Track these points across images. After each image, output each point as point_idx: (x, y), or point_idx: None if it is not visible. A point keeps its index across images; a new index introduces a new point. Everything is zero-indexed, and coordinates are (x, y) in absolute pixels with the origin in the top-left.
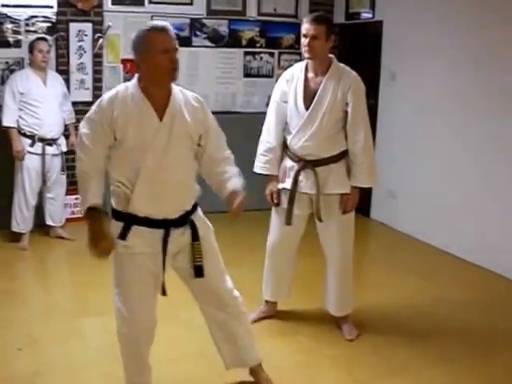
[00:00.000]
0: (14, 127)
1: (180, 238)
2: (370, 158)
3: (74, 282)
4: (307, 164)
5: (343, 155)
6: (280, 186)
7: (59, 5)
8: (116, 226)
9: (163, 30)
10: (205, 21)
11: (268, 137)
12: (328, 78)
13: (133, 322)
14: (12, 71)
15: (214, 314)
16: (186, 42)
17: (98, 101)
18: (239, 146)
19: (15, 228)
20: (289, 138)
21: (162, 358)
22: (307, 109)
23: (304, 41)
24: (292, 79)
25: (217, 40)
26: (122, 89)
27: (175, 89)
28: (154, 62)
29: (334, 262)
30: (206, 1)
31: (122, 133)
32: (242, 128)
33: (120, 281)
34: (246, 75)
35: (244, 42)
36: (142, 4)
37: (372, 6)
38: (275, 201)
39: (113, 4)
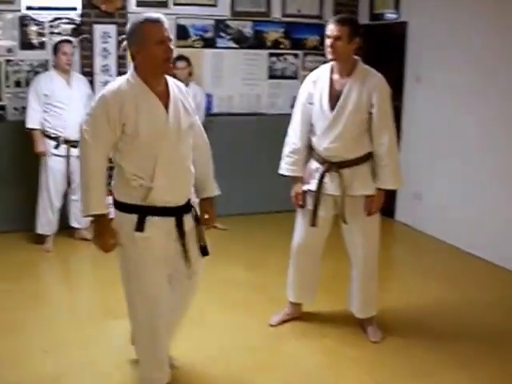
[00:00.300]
0: (37, 129)
1: (190, 221)
2: (395, 159)
3: (99, 284)
4: (332, 165)
5: (368, 157)
6: (305, 187)
7: (83, 7)
8: (127, 220)
9: (157, 21)
10: (229, 22)
11: (294, 138)
12: (353, 80)
13: (155, 312)
14: (36, 73)
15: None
16: (210, 44)
17: (99, 96)
18: (264, 147)
19: (40, 230)
20: (314, 139)
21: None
22: (332, 110)
23: (327, 41)
24: (318, 81)
25: (241, 41)
26: (124, 81)
27: (169, 79)
28: (149, 53)
29: (358, 264)
30: (231, 2)
31: (133, 126)
32: (266, 129)
33: (139, 273)
34: (271, 77)
35: (268, 44)
36: (167, 6)
37: (396, 7)
38: (300, 202)
39: (137, 6)
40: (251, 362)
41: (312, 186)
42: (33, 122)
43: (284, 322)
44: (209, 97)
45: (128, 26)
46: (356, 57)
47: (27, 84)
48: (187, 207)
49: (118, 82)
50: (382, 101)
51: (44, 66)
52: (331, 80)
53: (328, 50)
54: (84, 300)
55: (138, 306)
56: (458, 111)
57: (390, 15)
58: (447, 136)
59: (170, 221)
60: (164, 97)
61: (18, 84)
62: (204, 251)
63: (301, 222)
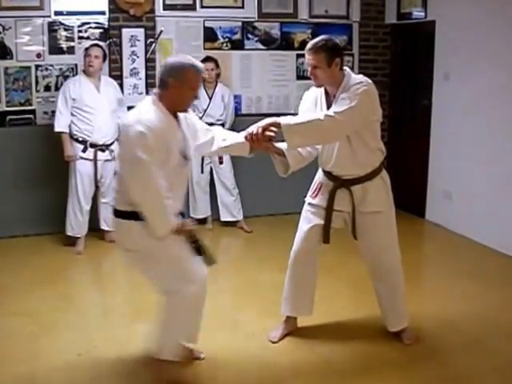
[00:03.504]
0: (65, 132)
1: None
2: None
3: (129, 286)
4: (343, 182)
5: (378, 172)
6: (311, 200)
7: (111, 11)
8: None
9: (200, 71)
10: (256, 24)
11: None
12: (337, 97)
13: (197, 281)
14: (66, 77)
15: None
16: (238, 45)
17: (137, 133)
18: None
19: (70, 232)
20: (319, 159)
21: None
22: None
23: (308, 69)
24: (316, 102)
25: (269, 43)
26: (151, 112)
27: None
28: (182, 93)
29: (378, 279)
30: (258, 4)
31: (164, 154)
32: None
33: (178, 258)
34: (299, 77)
35: (296, 45)
36: (194, 9)
37: (424, 6)
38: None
39: (164, 9)
40: (287, 363)
41: (319, 201)
42: (61, 125)
43: (285, 335)
44: (237, 98)
45: (175, 60)
46: (345, 69)
47: (57, 89)
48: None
49: (146, 113)
50: (348, 95)
51: (73, 71)
52: (327, 101)
53: (311, 77)
54: (116, 302)
55: (181, 280)
56: (486, 109)
57: (418, 14)
58: (476, 134)
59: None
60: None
61: (47, 88)
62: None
63: (303, 228)
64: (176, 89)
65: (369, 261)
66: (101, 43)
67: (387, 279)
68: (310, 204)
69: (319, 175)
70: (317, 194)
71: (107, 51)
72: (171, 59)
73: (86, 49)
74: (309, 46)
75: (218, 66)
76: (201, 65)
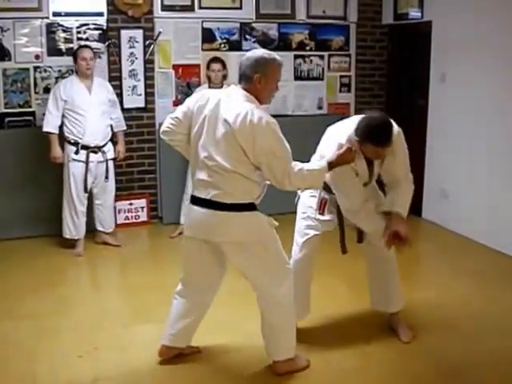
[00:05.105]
0: (53, 133)
1: None
2: None
3: (130, 288)
4: None
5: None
6: (320, 217)
7: (110, 12)
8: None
9: (282, 65)
10: (254, 25)
11: None
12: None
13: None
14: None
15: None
16: (236, 46)
17: (272, 124)
18: (291, 148)
19: (67, 235)
20: None
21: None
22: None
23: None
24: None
25: (267, 43)
26: (257, 105)
27: None
28: (269, 86)
29: (378, 263)
30: (255, 5)
31: None
32: (293, 130)
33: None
34: (297, 78)
35: (294, 45)
36: (192, 10)
37: (421, 6)
38: None
39: (163, 10)
40: None
41: (327, 217)
42: (49, 126)
43: None
44: None
45: (261, 54)
46: None
47: None
48: None
49: (258, 108)
50: None
51: (72, 72)
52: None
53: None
54: (116, 304)
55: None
56: (482, 109)
57: (414, 14)
58: (473, 134)
59: None
60: None
61: (46, 90)
62: None
63: (298, 241)
64: (262, 82)
65: (369, 246)
66: (90, 44)
67: (388, 262)
68: (313, 219)
69: (321, 192)
70: (323, 210)
71: (106, 52)
72: (254, 54)
73: (77, 51)
74: (384, 138)
75: (225, 67)
76: (281, 59)
